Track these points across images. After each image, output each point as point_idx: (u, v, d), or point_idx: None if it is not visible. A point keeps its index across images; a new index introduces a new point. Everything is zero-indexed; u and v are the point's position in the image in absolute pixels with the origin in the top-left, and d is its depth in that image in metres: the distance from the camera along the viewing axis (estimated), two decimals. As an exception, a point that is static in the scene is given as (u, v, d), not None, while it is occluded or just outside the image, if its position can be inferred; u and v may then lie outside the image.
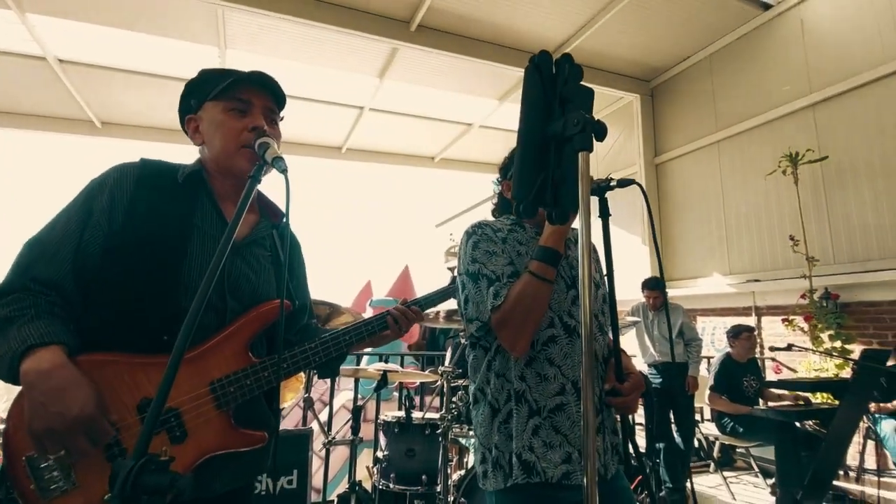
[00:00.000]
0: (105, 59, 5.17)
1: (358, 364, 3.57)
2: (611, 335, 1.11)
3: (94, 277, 0.87)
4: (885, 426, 3.15)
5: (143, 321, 0.85)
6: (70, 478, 0.77)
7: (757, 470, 3.76)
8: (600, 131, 0.76)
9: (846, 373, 3.58)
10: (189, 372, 0.86)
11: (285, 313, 1.01)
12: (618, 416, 1.12)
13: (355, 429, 2.35)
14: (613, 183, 0.98)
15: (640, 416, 4.19)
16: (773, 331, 4.54)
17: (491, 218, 1.28)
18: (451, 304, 1.52)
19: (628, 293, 4.16)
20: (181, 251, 0.89)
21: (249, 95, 0.97)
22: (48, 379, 0.74)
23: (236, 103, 0.95)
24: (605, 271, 1.08)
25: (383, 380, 2.28)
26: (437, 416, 2.32)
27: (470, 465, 2.45)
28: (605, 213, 0.97)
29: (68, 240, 0.86)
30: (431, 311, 2.23)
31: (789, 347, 3.09)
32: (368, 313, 5.80)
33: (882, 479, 3.31)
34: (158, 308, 0.86)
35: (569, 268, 1.13)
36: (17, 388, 0.79)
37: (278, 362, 0.91)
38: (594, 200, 0.94)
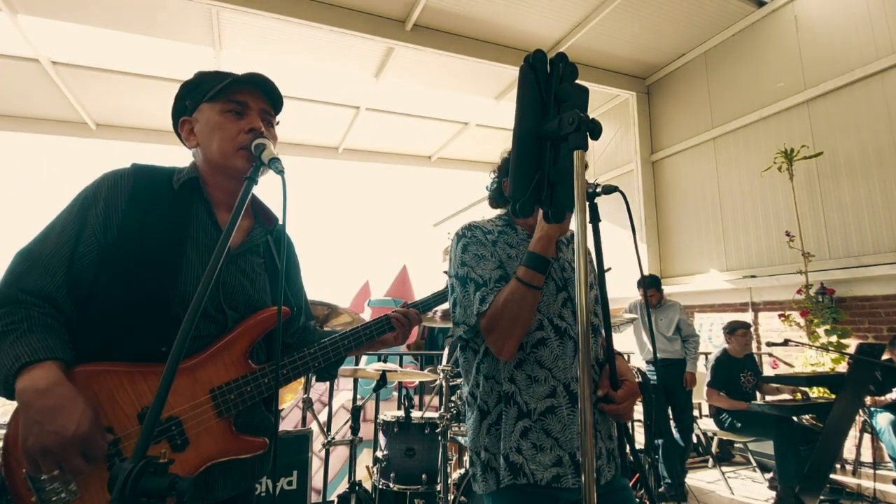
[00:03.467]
0: (99, 61, 5.14)
1: (357, 364, 3.57)
2: (604, 340, 1.11)
3: (89, 289, 0.86)
4: (881, 419, 3.18)
5: (141, 332, 0.85)
6: (72, 489, 0.77)
7: (755, 464, 3.78)
8: (595, 130, 0.76)
9: (842, 367, 3.61)
10: (189, 381, 0.86)
11: (284, 319, 1.01)
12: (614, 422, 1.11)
13: (355, 429, 2.34)
14: (599, 189, 0.99)
15: (638, 412, 4.21)
16: (769, 326, 4.57)
17: (487, 216, 1.28)
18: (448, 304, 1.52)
19: (628, 291, 4.17)
20: (176, 262, 0.88)
21: (246, 97, 0.96)
22: (44, 397, 0.73)
23: (233, 105, 0.95)
24: (597, 273, 1.08)
25: (382, 379, 2.28)
26: (436, 415, 2.33)
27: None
28: (594, 219, 0.98)
29: (61, 251, 0.85)
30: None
31: (786, 343, 3.11)
32: (367, 314, 5.79)
33: (878, 472, 3.33)
34: (155, 319, 0.85)
35: (560, 270, 1.12)
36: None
37: (277, 369, 0.91)
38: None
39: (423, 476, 2.22)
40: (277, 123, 1.04)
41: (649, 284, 3.79)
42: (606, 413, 1.04)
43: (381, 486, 2.25)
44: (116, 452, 0.80)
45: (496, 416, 1.04)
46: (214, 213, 0.96)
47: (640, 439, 4.05)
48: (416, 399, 3.56)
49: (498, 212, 1.28)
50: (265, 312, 0.95)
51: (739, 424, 3.43)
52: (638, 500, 2.77)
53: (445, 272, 1.19)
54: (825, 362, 3.85)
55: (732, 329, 3.68)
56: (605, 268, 1.08)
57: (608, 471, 1.05)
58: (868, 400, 3.23)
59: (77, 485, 0.77)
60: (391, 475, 2.24)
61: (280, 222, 1.01)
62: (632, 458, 1.14)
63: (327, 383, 3.22)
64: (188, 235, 0.91)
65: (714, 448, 4.04)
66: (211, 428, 0.87)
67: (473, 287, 1.05)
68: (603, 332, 1.12)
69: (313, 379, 3.36)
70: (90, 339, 0.84)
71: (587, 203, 0.98)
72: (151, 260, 0.87)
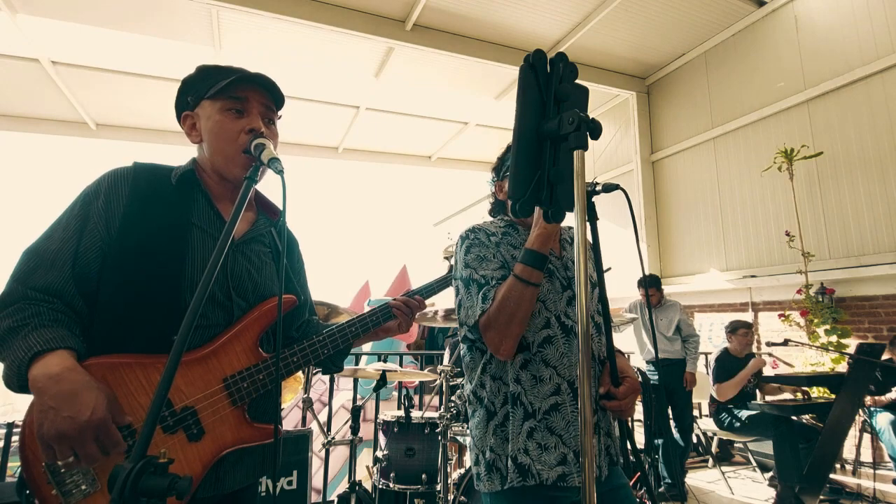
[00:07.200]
0: (99, 61, 5.15)
1: (357, 364, 3.57)
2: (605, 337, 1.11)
3: (96, 283, 0.86)
4: (881, 419, 3.18)
5: (150, 323, 0.85)
6: (92, 480, 0.77)
7: (755, 464, 3.78)
8: (595, 130, 0.76)
9: (842, 367, 3.61)
10: (202, 370, 0.87)
11: (290, 308, 1.02)
12: (615, 418, 1.12)
13: (355, 429, 2.34)
14: (599, 188, 0.99)
15: (638, 412, 4.21)
16: (769, 326, 4.57)
17: (488, 218, 1.28)
18: (450, 302, 1.51)
19: (628, 291, 4.17)
20: (182, 251, 0.89)
21: (247, 94, 0.96)
22: (58, 383, 0.73)
23: (234, 102, 0.95)
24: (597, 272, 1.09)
25: (382, 379, 2.28)
26: (436, 414, 2.33)
27: (469, 464, 2.45)
28: (593, 217, 0.98)
29: (66, 247, 0.86)
30: (430, 310, 2.24)
31: (786, 342, 3.11)
32: (367, 313, 5.77)
33: (878, 472, 3.34)
34: (164, 309, 0.86)
35: (563, 269, 1.13)
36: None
37: (278, 358, 0.91)
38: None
39: (423, 476, 2.22)
40: (280, 118, 1.04)
41: (649, 284, 3.79)
42: (608, 410, 1.05)
43: (381, 486, 2.25)
44: (134, 444, 0.80)
45: (503, 417, 1.05)
46: (215, 204, 0.97)
47: (640, 439, 4.05)
48: (416, 399, 3.56)
49: None
50: (274, 301, 0.96)
51: (739, 424, 3.43)
52: (638, 500, 2.77)
53: (446, 258, 1.20)
54: (825, 362, 3.85)
55: (734, 328, 3.69)
56: (606, 268, 1.08)
57: (605, 467, 1.05)
58: (868, 400, 3.23)
59: (97, 476, 0.77)
60: (391, 475, 2.24)
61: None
62: (633, 457, 1.14)
63: (327, 384, 3.22)
64: (191, 224, 0.92)
65: (714, 448, 4.04)
66: (226, 417, 0.87)
67: (476, 288, 1.06)
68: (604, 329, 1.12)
69: (314, 378, 3.36)
70: (101, 334, 0.84)
71: (586, 201, 0.98)
72: (156, 250, 0.88)
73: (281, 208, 0.89)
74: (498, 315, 0.99)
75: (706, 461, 4.14)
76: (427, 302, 1.25)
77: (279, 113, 1.03)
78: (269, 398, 0.97)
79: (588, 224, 0.98)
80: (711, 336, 5.10)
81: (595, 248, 1.05)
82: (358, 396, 2.99)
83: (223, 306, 0.91)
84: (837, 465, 3.60)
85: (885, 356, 3.09)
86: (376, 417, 2.56)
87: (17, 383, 0.77)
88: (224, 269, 0.93)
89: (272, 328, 0.98)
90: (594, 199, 0.99)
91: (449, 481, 2.15)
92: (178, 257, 0.88)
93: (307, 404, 2.52)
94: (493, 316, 1.00)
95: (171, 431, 0.82)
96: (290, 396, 3.08)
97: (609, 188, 1.00)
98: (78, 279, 0.85)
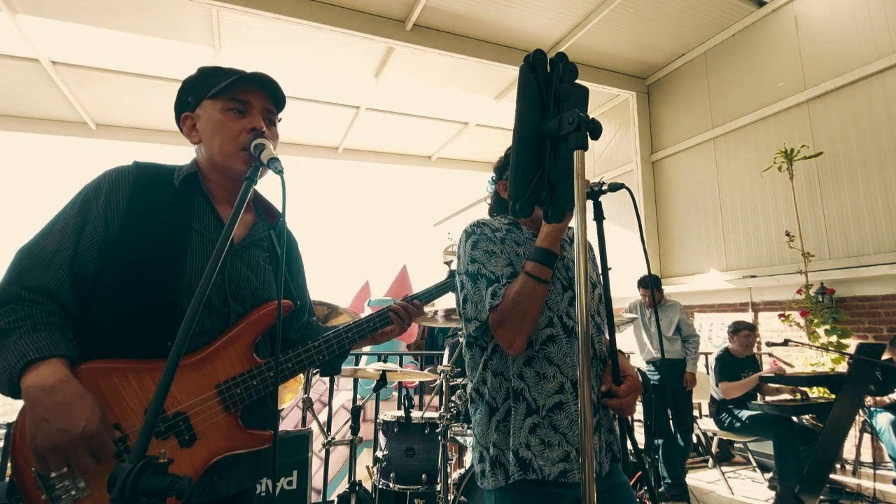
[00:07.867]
0: (99, 61, 5.14)
1: (357, 364, 3.57)
2: (608, 336, 1.11)
3: (92, 285, 0.85)
4: (881, 419, 3.18)
5: (146, 327, 0.84)
6: (81, 486, 0.77)
7: (755, 464, 3.78)
8: (595, 130, 0.76)
9: (842, 367, 3.61)
10: (195, 376, 0.86)
11: (287, 313, 1.01)
12: (616, 416, 1.12)
13: (354, 429, 2.34)
14: (605, 187, 0.99)
15: (638, 412, 4.21)
16: (769, 326, 4.57)
17: (488, 217, 1.28)
18: (449, 302, 1.51)
19: (628, 291, 4.17)
20: (180, 255, 0.88)
21: (249, 95, 0.96)
22: (52, 394, 0.73)
23: (235, 103, 0.95)
24: (601, 272, 1.09)
25: (382, 379, 2.28)
26: (436, 415, 2.33)
27: (469, 464, 2.46)
28: (599, 217, 0.98)
29: (64, 247, 0.84)
30: (430, 310, 2.24)
31: (786, 343, 3.11)
32: (367, 313, 5.77)
33: (878, 472, 3.33)
34: (160, 313, 0.85)
35: (564, 269, 1.13)
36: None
37: (276, 363, 0.91)
38: (589, 204, 0.94)
39: (423, 476, 2.22)
40: (280, 121, 1.04)
41: (650, 284, 3.79)
42: (609, 408, 1.06)
43: (381, 486, 2.25)
44: (125, 449, 0.80)
45: (505, 412, 1.05)
46: (215, 207, 0.96)
47: (640, 439, 4.05)
48: (416, 399, 3.56)
49: None
50: (269, 306, 0.95)
51: (739, 424, 3.43)
52: (638, 500, 2.77)
53: (446, 263, 1.20)
54: (825, 362, 3.85)
55: (737, 329, 3.69)
56: (608, 267, 1.08)
57: (606, 463, 1.07)
58: (868, 400, 3.23)
59: (87, 482, 0.77)
60: (391, 475, 2.24)
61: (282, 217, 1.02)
62: (633, 456, 1.15)
63: (327, 384, 3.22)
64: (191, 228, 0.91)
65: (714, 448, 4.04)
66: (218, 423, 0.87)
67: (485, 283, 1.05)
68: (606, 329, 1.12)
69: (314, 378, 3.36)
70: (95, 336, 0.84)
71: (592, 201, 0.98)
72: (155, 254, 0.87)
73: (280, 210, 0.88)
74: (511, 312, 1.00)
75: (706, 461, 4.14)
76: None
77: (280, 115, 1.03)
78: (263, 404, 0.96)
79: (595, 223, 0.98)
80: (711, 336, 5.10)
81: (601, 247, 1.05)
82: (358, 396, 2.99)
83: (220, 312, 0.91)
84: (837, 466, 3.60)
85: (885, 356, 3.09)
86: (376, 417, 2.56)
87: (9, 390, 0.76)
88: (222, 274, 0.92)
89: (268, 333, 0.97)
90: (600, 198, 0.99)
91: (449, 481, 2.15)
92: (176, 262, 0.87)
93: (307, 404, 2.52)
94: (507, 313, 1.00)
95: (162, 437, 0.81)
96: (290, 397, 3.08)
97: (615, 187, 1.00)
98: (74, 280, 0.84)
